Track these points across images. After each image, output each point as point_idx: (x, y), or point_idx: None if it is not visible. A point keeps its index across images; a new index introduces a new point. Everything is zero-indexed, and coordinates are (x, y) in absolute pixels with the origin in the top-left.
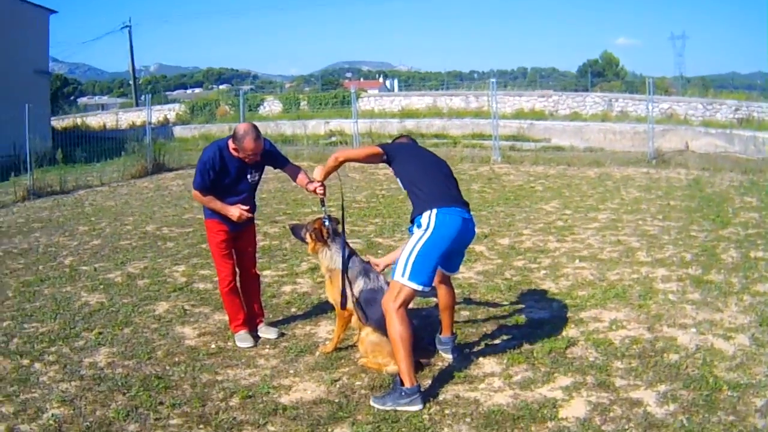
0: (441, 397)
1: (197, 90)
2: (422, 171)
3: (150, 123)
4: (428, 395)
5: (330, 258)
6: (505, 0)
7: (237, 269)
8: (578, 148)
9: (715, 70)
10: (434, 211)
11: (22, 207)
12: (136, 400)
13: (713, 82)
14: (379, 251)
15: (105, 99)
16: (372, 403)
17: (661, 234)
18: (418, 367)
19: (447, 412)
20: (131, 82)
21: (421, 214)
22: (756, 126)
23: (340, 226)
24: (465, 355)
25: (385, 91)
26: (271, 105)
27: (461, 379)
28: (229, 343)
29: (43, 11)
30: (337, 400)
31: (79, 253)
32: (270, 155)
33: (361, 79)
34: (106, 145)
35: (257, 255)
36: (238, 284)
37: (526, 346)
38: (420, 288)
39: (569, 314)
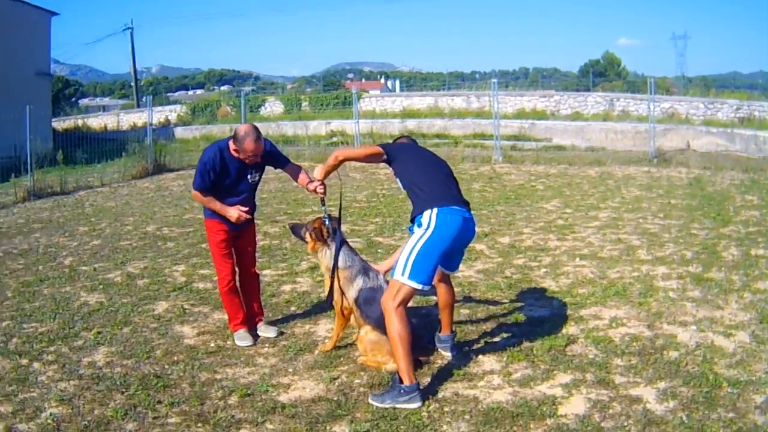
0: (440, 395)
1: (199, 91)
2: (423, 171)
3: (151, 124)
4: (427, 393)
5: (330, 257)
6: (507, 0)
7: (236, 268)
8: (580, 148)
9: (717, 70)
10: (435, 210)
11: (22, 208)
12: (134, 399)
13: (715, 81)
14: (380, 250)
15: (106, 100)
16: (371, 401)
17: (661, 232)
18: (417, 365)
19: (446, 409)
20: (133, 84)
21: (421, 213)
22: (757, 125)
23: (341, 226)
24: (464, 352)
25: (386, 92)
26: (273, 106)
27: (460, 376)
28: (228, 342)
29: (44, 13)
30: (336, 398)
31: (79, 253)
32: (270, 156)
33: (363, 80)
34: (107, 146)
35: (257, 254)
36: (237, 283)
37: (526, 344)
38: (420, 287)
39: (569, 312)
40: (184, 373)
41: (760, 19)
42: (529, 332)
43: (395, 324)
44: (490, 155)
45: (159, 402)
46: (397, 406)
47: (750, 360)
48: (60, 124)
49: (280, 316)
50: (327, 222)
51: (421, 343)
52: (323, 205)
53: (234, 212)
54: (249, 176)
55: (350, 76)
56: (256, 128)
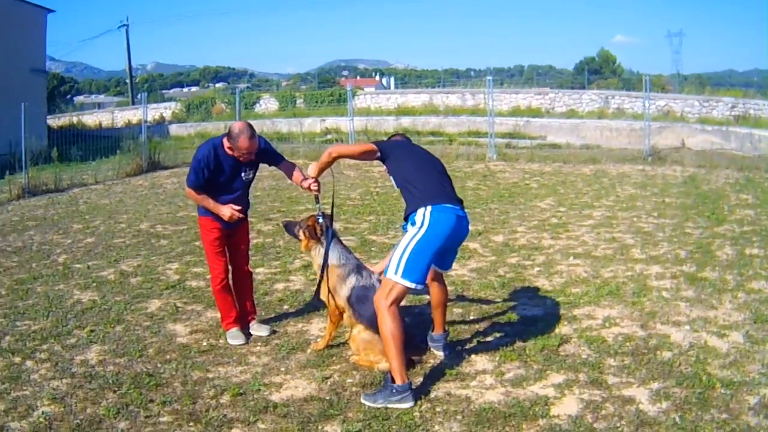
0: (432, 395)
1: (194, 88)
2: (416, 168)
3: (146, 121)
4: (419, 392)
5: (323, 255)
6: None
7: (230, 267)
8: (574, 146)
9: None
10: (429, 208)
11: (17, 205)
12: (126, 397)
13: (710, 79)
14: (373, 248)
15: (102, 98)
16: (363, 401)
17: (655, 231)
18: (409, 364)
19: (438, 409)
20: (128, 81)
21: (415, 211)
22: (752, 123)
23: (334, 224)
24: (457, 352)
25: (381, 89)
26: (267, 103)
27: (453, 376)
28: (221, 341)
29: (40, 10)
30: (328, 398)
31: (73, 251)
32: (265, 153)
33: (358, 77)
34: (101, 143)
35: (250, 252)
36: (230, 282)
37: (519, 344)
38: (413, 286)
39: (562, 311)
40: (177, 371)
41: (756, 17)
42: (522, 332)
43: (388, 323)
44: (484, 153)
45: (151, 401)
46: (389, 405)
47: (744, 361)
48: (55, 121)
49: (272, 315)
50: (321, 220)
51: (413, 343)
52: (317, 202)
53: (227, 211)
54: (243, 174)
55: (345, 73)
56: (250, 126)
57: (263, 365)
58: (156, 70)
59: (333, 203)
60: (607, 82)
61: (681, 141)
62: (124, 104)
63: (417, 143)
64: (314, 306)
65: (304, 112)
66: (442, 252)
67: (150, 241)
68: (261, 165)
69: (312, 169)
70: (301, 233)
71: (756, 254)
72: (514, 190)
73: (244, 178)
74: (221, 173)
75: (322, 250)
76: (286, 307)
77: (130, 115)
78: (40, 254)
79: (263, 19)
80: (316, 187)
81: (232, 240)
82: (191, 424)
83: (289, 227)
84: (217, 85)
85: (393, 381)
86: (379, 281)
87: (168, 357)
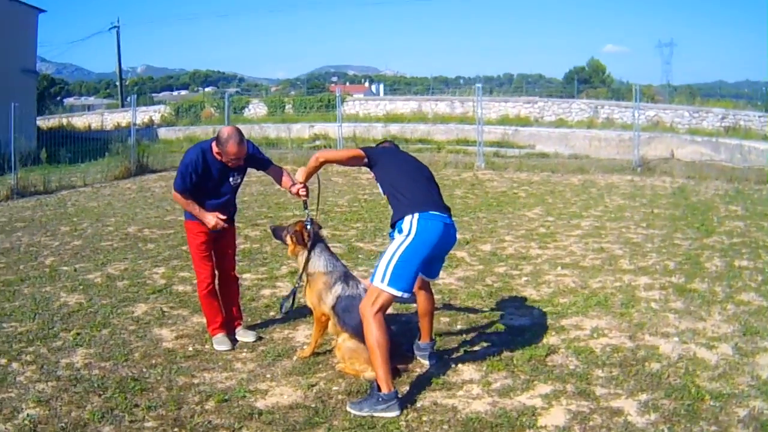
0: (419, 404)
1: (183, 92)
2: (404, 175)
3: (135, 124)
4: (406, 401)
5: (310, 261)
6: (492, 6)
7: (216, 271)
8: (563, 155)
9: (703, 78)
10: (416, 216)
11: (5, 206)
12: (111, 401)
13: (700, 90)
14: (360, 255)
15: (92, 100)
16: (348, 409)
17: (644, 242)
18: (395, 373)
19: (424, 418)
20: (118, 83)
21: (402, 218)
22: (742, 134)
23: (322, 231)
24: (444, 361)
25: (370, 96)
26: (256, 108)
27: (439, 385)
28: (207, 346)
29: (32, 10)
30: (313, 405)
31: (60, 253)
32: (253, 158)
33: (347, 83)
34: (90, 145)
35: (237, 258)
36: (216, 287)
37: (506, 354)
38: (399, 294)
39: (550, 322)
40: (162, 376)
41: (746, 28)
42: (510, 341)
43: (374, 331)
44: (472, 161)
45: (136, 405)
46: (375, 414)
47: (733, 373)
48: (44, 122)
49: (258, 321)
50: (309, 226)
51: (399, 351)
52: (305, 208)
53: (212, 219)
54: (231, 179)
55: (334, 79)
56: (239, 131)
57: (249, 371)
58: (146, 72)
59: (317, 208)
60: (597, 92)
61: (670, 152)
62: (114, 107)
63: (405, 150)
64: (300, 313)
65: (292, 117)
66: (429, 260)
67: (137, 245)
68: (249, 170)
69: (300, 174)
70: (288, 238)
71: (745, 266)
72: (503, 199)
73: (232, 183)
74: (209, 178)
75: (309, 256)
76: (272, 313)
77: (120, 117)
78: (27, 256)
79: (253, 24)
80: (304, 193)
81: (219, 245)
82: (176, 429)
83: (276, 232)
84: (207, 89)
85: (379, 389)
86: (366, 291)
87: (153, 362)
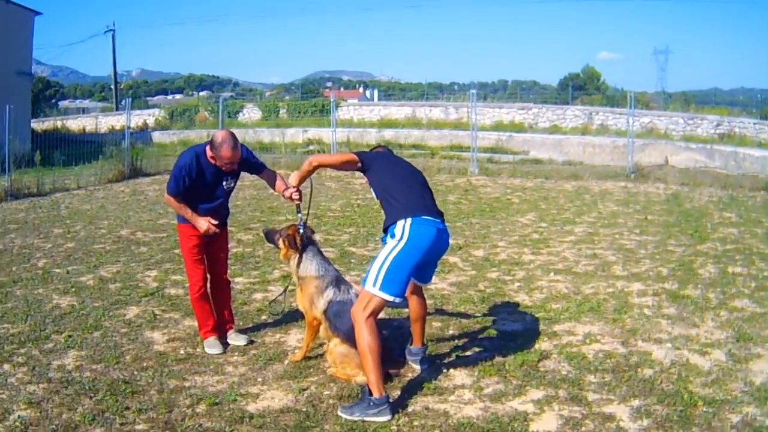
0: (410, 409)
1: (178, 96)
2: (397, 180)
3: (129, 127)
4: (397, 406)
5: (301, 265)
6: (487, 13)
7: (208, 275)
8: (557, 162)
9: (698, 85)
10: (408, 220)
11: None
12: (102, 404)
13: (695, 97)
14: (353, 260)
15: (86, 103)
16: (340, 413)
17: (637, 248)
18: (387, 377)
19: (416, 423)
20: (113, 87)
21: (394, 223)
22: (737, 141)
23: (315, 235)
24: (436, 366)
25: (365, 101)
26: (251, 112)
27: (431, 390)
28: (198, 350)
29: (28, 12)
30: (304, 410)
31: (53, 255)
32: (246, 162)
33: (341, 89)
34: (84, 148)
35: (229, 262)
36: (208, 290)
37: (498, 359)
38: (391, 299)
39: (542, 327)
40: (153, 379)
41: (742, 36)
42: (502, 347)
43: (365, 335)
44: (466, 167)
45: (127, 408)
46: (367, 419)
47: (726, 379)
48: (39, 125)
49: (250, 325)
50: (301, 230)
51: (391, 356)
52: (298, 212)
53: (203, 224)
54: (224, 183)
55: (329, 84)
56: (233, 135)
57: (240, 375)
58: (141, 76)
59: (308, 212)
60: (591, 99)
61: (665, 158)
62: (108, 110)
63: (399, 155)
64: (292, 317)
65: (286, 122)
66: (421, 265)
67: (130, 248)
68: (242, 174)
69: (293, 178)
70: (280, 242)
71: (739, 272)
72: (496, 204)
73: (225, 187)
74: (203, 182)
75: (301, 260)
76: (264, 317)
77: (114, 121)
78: (20, 258)
79: (248, 29)
80: (297, 197)
81: (211, 248)
82: None
83: (269, 236)
84: (201, 93)
85: (370, 394)
86: (357, 296)
87: (145, 364)
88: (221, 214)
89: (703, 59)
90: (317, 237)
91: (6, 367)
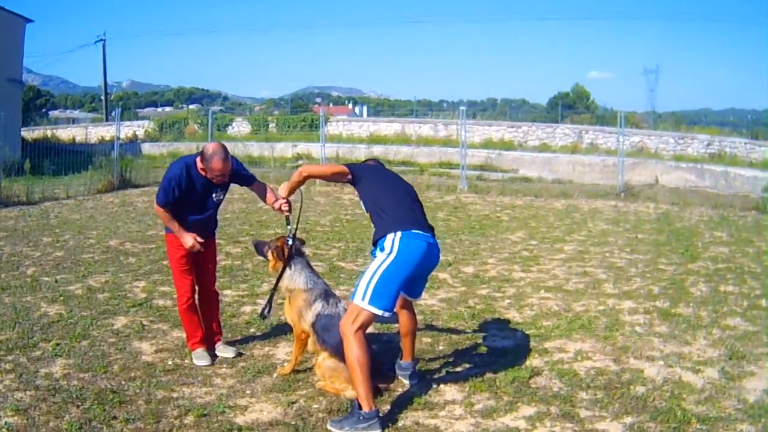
0: (400, 423)
1: (168, 108)
2: (388, 193)
3: (118, 138)
4: (387, 421)
5: (290, 278)
6: (476, 31)
7: (196, 286)
8: (546, 180)
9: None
10: (398, 234)
11: None
12: (90, 413)
13: (685, 117)
14: (342, 275)
15: (76, 113)
16: (329, 427)
17: (628, 266)
18: (377, 392)
19: None
20: (103, 97)
21: (384, 236)
22: (728, 161)
23: (305, 248)
24: (426, 381)
25: (354, 117)
26: (240, 126)
27: (421, 405)
28: (186, 361)
29: (19, 20)
30: (293, 423)
31: (42, 263)
32: (237, 174)
33: (331, 105)
34: (74, 158)
35: (218, 274)
36: (196, 301)
37: (489, 375)
38: (380, 313)
39: (533, 344)
40: (141, 389)
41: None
42: (492, 363)
43: (354, 349)
44: (455, 184)
45: (114, 417)
46: None
47: (719, 396)
48: (29, 133)
49: (239, 337)
50: (290, 242)
51: (381, 370)
52: (288, 224)
53: (189, 240)
54: (214, 195)
55: (318, 100)
56: (223, 147)
57: (228, 387)
58: (131, 87)
59: (297, 224)
60: (581, 118)
61: (655, 178)
62: (98, 121)
63: (390, 169)
64: (281, 330)
65: (276, 136)
66: (411, 279)
67: (119, 258)
68: (231, 187)
69: (283, 189)
70: (269, 254)
71: (731, 291)
72: (485, 222)
73: (215, 199)
74: (193, 193)
75: (289, 272)
76: (252, 330)
77: (104, 131)
78: (9, 265)
79: (238, 43)
80: (287, 208)
81: (200, 259)
82: None
83: (258, 247)
84: (191, 106)
85: (360, 408)
86: (346, 310)
87: (132, 374)
88: (210, 225)
89: (694, 80)
90: (306, 251)
91: None
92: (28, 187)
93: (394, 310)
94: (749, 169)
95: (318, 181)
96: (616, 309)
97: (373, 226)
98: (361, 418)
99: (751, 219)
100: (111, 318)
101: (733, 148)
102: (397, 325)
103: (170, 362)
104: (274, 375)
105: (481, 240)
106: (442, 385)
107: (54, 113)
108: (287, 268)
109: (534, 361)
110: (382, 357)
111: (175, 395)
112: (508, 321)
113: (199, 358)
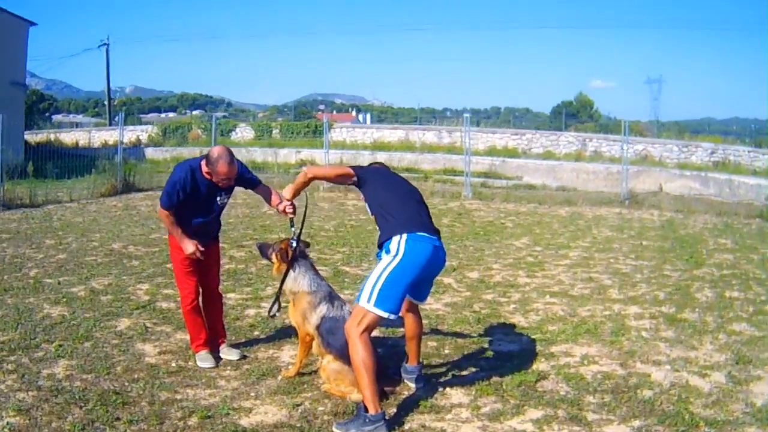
0: (407, 426)
1: (171, 114)
2: (393, 196)
3: (122, 142)
4: (393, 423)
5: (294, 280)
6: (480, 40)
7: (200, 288)
8: (550, 187)
9: (691, 115)
10: (404, 236)
11: None
12: (92, 414)
13: (689, 126)
14: (346, 279)
15: (80, 118)
16: (335, 430)
17: (633, 272)
18: (382, 395)
19: None
20: (106, 102)
21: (390, 239)
22: (732, 169)
23: (309, 250)
24: (432, 385)
25: (357, 124)
26: (244, 131)
27: (428, 408)
28: (190, 363)
29: (23, 23)
30: (298, 425)
31: (45, 265)
32: (242, 177)
33: (334, 112)
34: (77, 162)
35: (222, 278)
36: (200, 304)
37: (495, 378)
38: (386, 315)
39: (539, 348)
40: (144, 391)
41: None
42: (499, 367)
43: (360, 351)
44: (459, 191)
45: (117, 419)
46: None
47: (727, 400)
48: (32, 137)
49: (243, 340)
50: (294, 244)
51: (386, 374)
52: (292, 226)
53: (190, 246)
54: (218, 198)
55: (322, 107)
56: (229, 151)
57: (233, 389)
58: (134, 93)
59: (302, 226)
60: (585, 126)
61: (659, 185)
62: (102, 125)
63: (395, 172)
64: (286, 333)
65: (279, 142)
66: (417, 282)
67: (122, 261)
68: (235, 192)
69: (287, 191)
70: (273, 256)
71: (736, 297)
72: (490, 228)
73: (219, 203)
74: (197, 196)
75: (293, 275)
76: (257, 332)
77: (107, 135)
78: (11, 267)
79: (242, 50)
80: (291, 210)
81: (203, 261)
82: None
83: (262, 249)
84: (195, 112)
85: (366, 410)
86: (351, 313)
87: (136, 376)
88: (213, 228)
89: (697, 89)
90: (310, 255)
91: None
92: (31, 190)
93: (400, 314)
94: (753, 178)
95: (322, 186)
96: (621, 314)
97: (378, 229)
98: (367, 420)
99: (755, 226)
100: (114, 320)
101: (736, 157)
102: (402, 329)
103: (174, 364)
104: (279, 377)
105: (486, 246)
106: (448, 389)
107: (57, 117)
108: (291, 271)
109: (540, 365)
110: (387, 361)
111: (178, 397)
112: (513, 325)
113: (203, 360)
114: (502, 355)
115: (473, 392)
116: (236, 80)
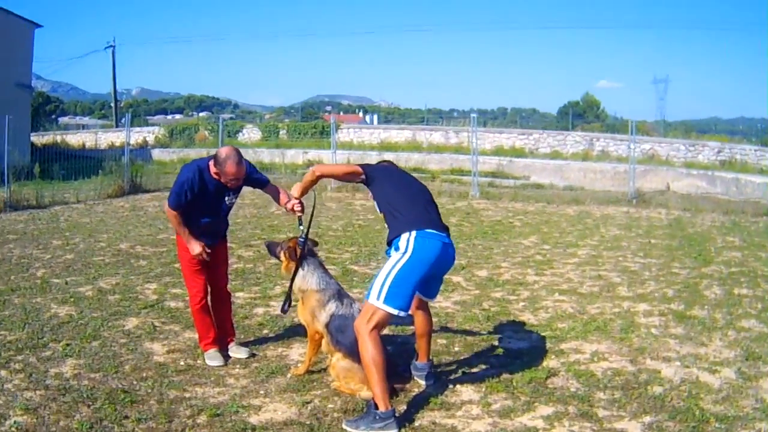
0: (417, 423)
1: (177, 116)
2: (402, 193)
3: (128, 144)
4: (404, 420)
5: (302, 278)
6: (486, 41)
7: (209, 287)
8: (558, 187)
9: (697, 115)
10: (413, 233)
11: None
12: (100, 412)
13: (695, 126)
14: (355, 278)
15: (86, 120)
16: (345, 427)
17: (642, 270)
18: (392, 392)
19: None
20: (113, 104)
21: (399, 236)
22: (738, 168)
23: (316, 248)
24: (442, 382)
25: (364, 125)
26: (251, 132)
27: (438, 405)
28: (199, 361)
29: (29, 25)
30: (308, 423)
31: (52, 266)
32: (250, 177)
33: (341, 113)
34: (84, 163)
35: (230, 277)
36: (209, 302)
37: (505, 375)
38: (396, 312)
39: (549, 345)
40: (153, 389)
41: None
42: (509, 364)
43: (369, 348)
44: (467, 191)
45: (126, 417)
46: None
47: (737, 396)
48: (39, 138)
49: (252, 338)
50: (302, 241)
51: (396, 371)
52: (300, 224)
53: (197, 247)
54: (227, 198)
55: (328, 108)
56: (237, 151)
57: (242, 387)
58: (141, 95)
59: (310, 225)
60: (591, 126)
61: (666, 184)
62: (108, 127)
63: (404, 170)
64: (294, 331)
65: (286, 143)
66: (426, 279)
67: (129, 261)
68: (242, 192)
69: (296, 190)
70: (282, 254)
71: (745, 294)
72: (498, 227)
73: (227, 202)
74: (205, 197)
75: (302, 273)
76: (266, 331)
77: (114, 137)
78: (19, 267)
79: (249, 51)
80: (300, 208)
81: (211, 260)
82: None
83: (271, 248)
84: (201, 114)
85: (376, 407)
86: (360, 311)
87: (144, 375)
88: (221, 227)
89: (703, 89)
90: (318, 254)
91: (3, 372)
92: (38, 192)
93: (410, 312)
94: (760, 176)
95: (330, 186)
96: (631, 311)
97: (386, 226)
98: (377, 417)
99: (762, 224)
100: (122, 319)
101: (743, 156)
102: (412, 327)
103: (182, 363)
104: (288, 375)
105: (494, 244)
106: (458, 386)
107: (63, 119)
108: (300, 269)
109: (550, 362)
110: (396, 358)
111: (187, 395)
112: (523, 323)
113: (212, 358)
114: (512, 352)
115: (483, 389)
116: (243, 82)
